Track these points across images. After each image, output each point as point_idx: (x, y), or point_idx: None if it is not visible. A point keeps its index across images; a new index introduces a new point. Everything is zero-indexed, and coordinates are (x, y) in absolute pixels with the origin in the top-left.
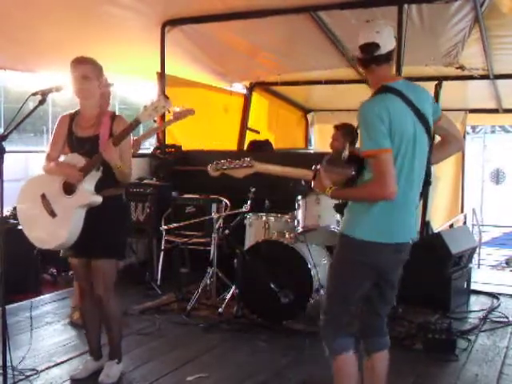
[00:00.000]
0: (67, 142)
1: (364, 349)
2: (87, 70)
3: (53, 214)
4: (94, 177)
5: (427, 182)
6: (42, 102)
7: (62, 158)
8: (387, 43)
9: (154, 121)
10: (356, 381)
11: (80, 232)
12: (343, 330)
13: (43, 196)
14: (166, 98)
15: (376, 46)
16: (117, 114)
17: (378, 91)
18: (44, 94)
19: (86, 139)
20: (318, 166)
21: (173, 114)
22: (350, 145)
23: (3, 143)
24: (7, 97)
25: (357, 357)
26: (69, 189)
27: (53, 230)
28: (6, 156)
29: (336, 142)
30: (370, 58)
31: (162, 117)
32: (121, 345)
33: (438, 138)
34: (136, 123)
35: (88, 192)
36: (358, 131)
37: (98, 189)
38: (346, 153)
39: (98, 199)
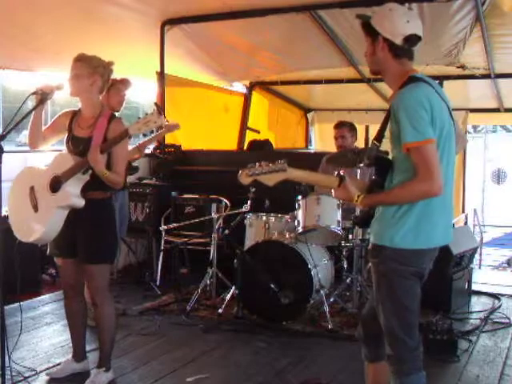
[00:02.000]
0: (65, 139)
1: (368, 357)
2: (78, 67)
3: (36, 208)
4: (80, 180)
5: None
6: (42, 102)
7: (53, 155)
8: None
9: (144, 135)
10: None
11: (62, 233)
12: (412, 363)
13: (32, 188)
14: (160, 113)
15: (420, 39)
16: (116, 116)
17: (409, 81)
18: (44, 94)
19: (81, 140)
20: (342, 172)
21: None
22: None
23: (2, 143)
24: (6, 96)
25: None
26: (55, 186)
27: (32, 224)
28: (4, 155)
29: (343, 139)
30: (406, 51)
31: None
32: (111, 352)
33: None
34: (125, 134)
35: (69, 194)
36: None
37: (85, 192)
38: (371, 153)
39: (80, 202)
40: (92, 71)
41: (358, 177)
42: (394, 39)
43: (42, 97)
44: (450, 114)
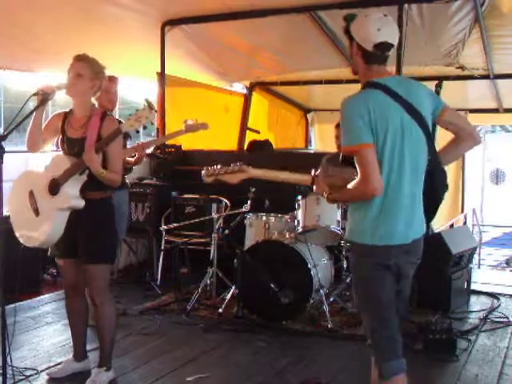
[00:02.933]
0: (60, 141)
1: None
2: (81, 67)
3: (37, 212)
4: (78, 180)
5: (434, 176)
6: (43, 102)
7: (50, 157)
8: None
9: (137, 131)
10: None
11: (63, 233)
12: (388, 352)
13: (31, 193)
14: (151, 109)
15: (391, 46)
16: (108, 113)
17: (363, 87)
18: (45, 94)
19: (75, 140)
20: (318, 172)
21: (185, 126)
22: None
23: (3, 143)
24: (7, 96)
25: (405, 378)
26: (54, 188)
27: (34, 228)
28: (5, 156)
29: (339, 139)
30: (380, 56)
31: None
32: (112, 352)
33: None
34: (118, 132)
35: (69, 195)
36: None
37: (83, 192)
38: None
39: (80, 203)
40: (94, 75)
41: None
42: (365, 46)
43: (43, 97)
44: (413, 111)
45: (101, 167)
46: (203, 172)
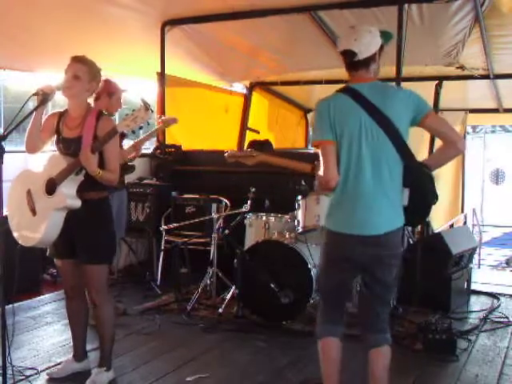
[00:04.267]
0: (55, 141)
1: (364, 345)
2: (79, 69)
3: (33, 211)
4: (75, 180)
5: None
6: (43, 102)
7: (47, 157)
8: (365, 49)
9: (133, 132)
10: (332, 364)
11: (60, 234)
12: (324, 316)
13: (29, 192)
14: (147, 109)
15: (352, 53)
16: (104, 113)
17: (336, 91)
18: (45, 94)
19: (71, 140)
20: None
21: (161, 121)
22: None
23: (3, 143)
24: (7, 96)
25: (336, 343)
26: (51, 188)
27: (31, 227)
28: (5, 156)
29: None
30: (347, 63)
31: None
32: (111, 352)
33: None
34: (114, 132)
35: (65, 195)
36: None
37: (80, 192)
38: None
39: (76, 203)
40: (92, 78)
41: None
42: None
43: (43, 97)
44: (378, 113)
45: (97, 167)
46: (226, 154)
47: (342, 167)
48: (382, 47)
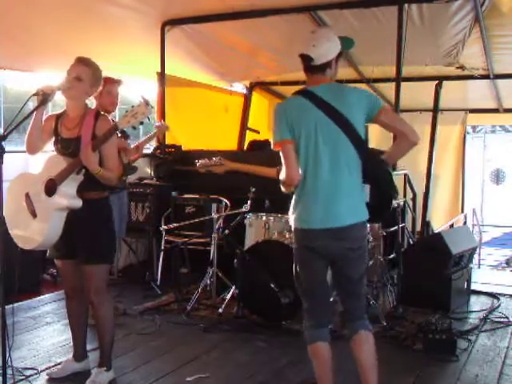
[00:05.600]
0: (53, 142)
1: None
2: (83, 71)
3: (34, 214)
4: (75, 180)
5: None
6: (43, 103)
7: (45, 158)
8: (322, 55)
9: (134, 128)
10: (324, 366)
11: (61, 234)
12: (311, 319)
13: (27, 195)
14: (147, 104)
15: (309, 58)
16: (102, 113)
17: (293, 93)
18: (45, 95)
19: (70, 140)
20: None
21: (156, 127)
22: None
23: (3, 143)
24: (7, 97)
25: (325, 346)
26: (50, 189)
27: (32, 230)
28: (5, 156)
29: None
30: (305, 66)
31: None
32: (111, 352)
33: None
34: (114, 129)
35: (66, 195)
36: None
37: (81, 192)
38: None
39: (77, 203)
40: (94, 82)
41: None
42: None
43: (43, 98)
44: (333, 112)
45: (98, 165)
46: (197, 164)
47: (301, 166)
48: (340, 54)
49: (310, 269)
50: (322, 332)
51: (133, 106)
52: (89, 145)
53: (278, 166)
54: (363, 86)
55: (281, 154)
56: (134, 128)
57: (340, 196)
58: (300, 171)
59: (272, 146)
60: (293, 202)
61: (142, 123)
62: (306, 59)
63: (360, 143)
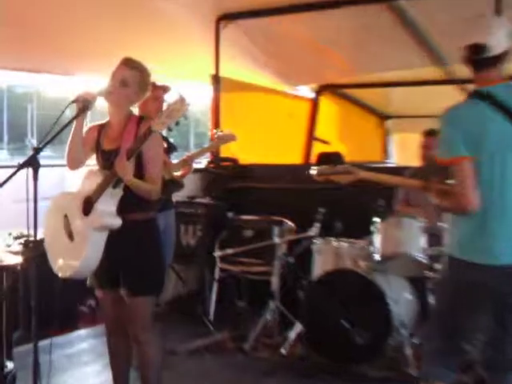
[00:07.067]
0: (95, 156)
1: None
2: (130, 75)
3: (71, 236)
4: (113, 196)
5: None
6: (83, 110)
7: (84, 173)
8: (500, 44)
9: (170, 129)
10: None
11: (102, 261)
12: (440, 360)
13: (66, 216)
14: (183, 100)
15: (482, 48)
16: (145, 117)
17: (467, 97)
18: (86, 101)
19: (110, 152)
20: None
21: (217, 137)
22: None
23: (37, 157)
24: (42, 103)
25: None
26: (87, 208)
27: (69, 254)
28: (40, 170)
29: (430, 150)
30: (472, 60)
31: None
32: None
33: None
34: (148, 132)
35: (102, 213)
36: None
37: (122, 213)
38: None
39: (116, 222)
40: (141, 88)
41: None
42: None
43: (84, 105)
44: None
45: (132, 176)
46: (314, 171)
47: (482, 187)
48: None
49: (467, 312)
50: (448, 374)
51: (168, 105)
52: (125, 153)
53: (427, 177)
54: (453, 87)
55: (453, 172)
56: (170, 130)
57: None
58: (480, 195)
59: (437, 162)
60: (464, 228)
61: (177, 123)
62: (476, 50)
63: None
